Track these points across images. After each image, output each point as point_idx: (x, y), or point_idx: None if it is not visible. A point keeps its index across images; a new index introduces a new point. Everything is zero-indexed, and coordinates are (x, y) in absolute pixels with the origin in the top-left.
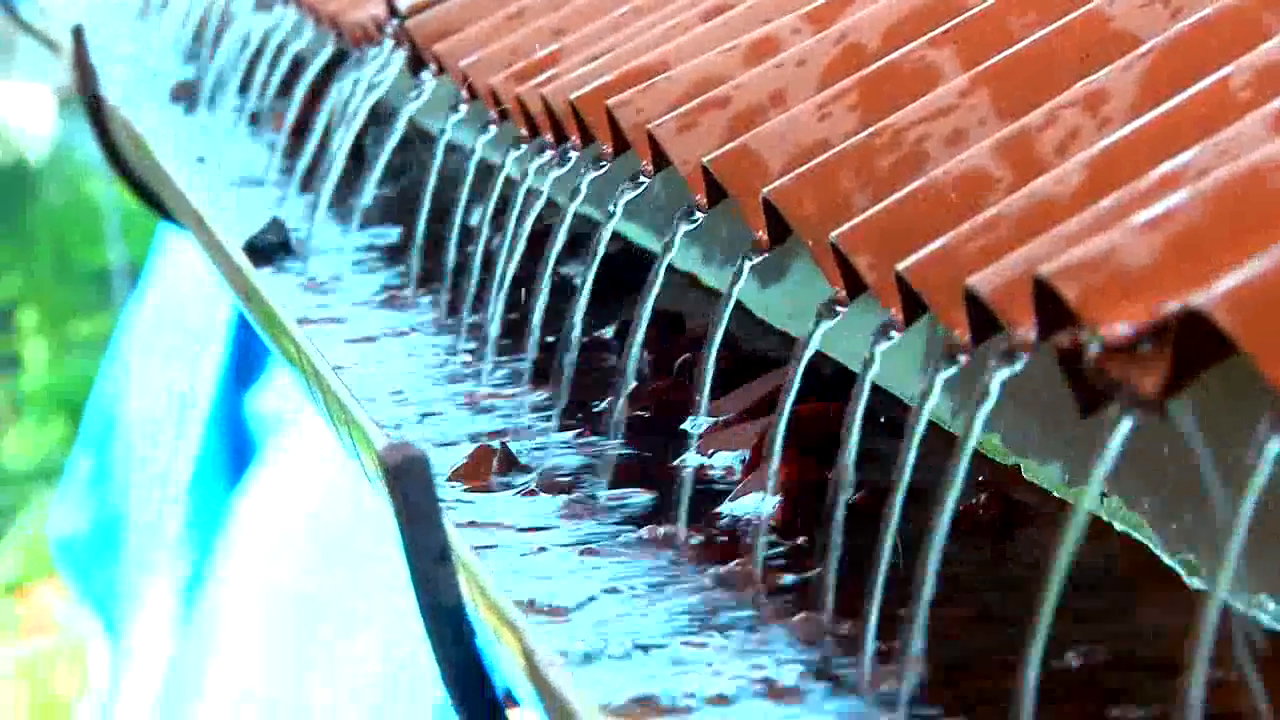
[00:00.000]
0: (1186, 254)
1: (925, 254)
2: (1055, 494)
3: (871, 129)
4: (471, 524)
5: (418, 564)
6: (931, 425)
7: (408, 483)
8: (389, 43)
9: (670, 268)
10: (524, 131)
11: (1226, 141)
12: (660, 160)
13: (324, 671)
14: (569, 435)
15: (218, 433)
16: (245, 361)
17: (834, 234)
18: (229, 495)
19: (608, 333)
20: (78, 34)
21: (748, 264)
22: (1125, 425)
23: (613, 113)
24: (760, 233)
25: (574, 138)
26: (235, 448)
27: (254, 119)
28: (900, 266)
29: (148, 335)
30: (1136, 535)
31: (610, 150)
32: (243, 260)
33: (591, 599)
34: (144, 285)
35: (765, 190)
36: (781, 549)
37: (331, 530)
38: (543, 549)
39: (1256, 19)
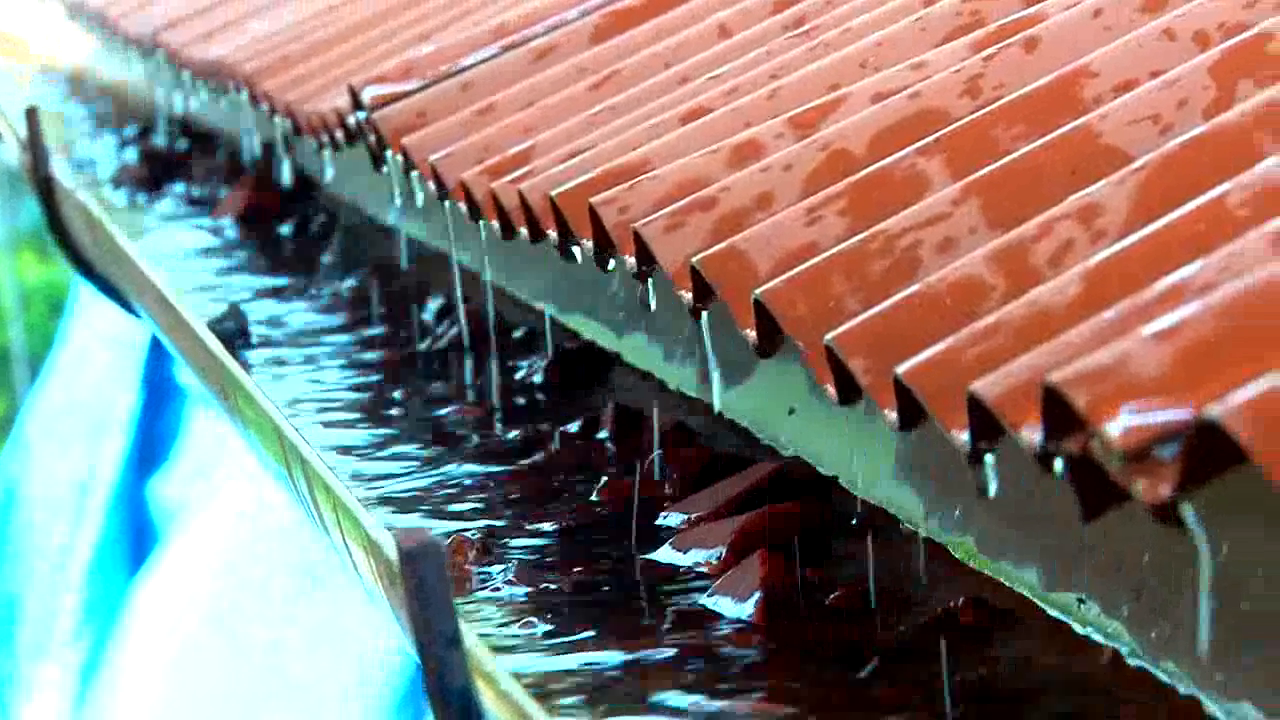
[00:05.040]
0: (1196, 365)
1: (924, 358)
2: (1033, 599)
3: (863, 234)
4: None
5: (429, 648)
6: (906, 528)
7: (424, 567)
8: None
9: (629, 366)
10: (497, 226)
11: (1228, 258)
12: (645, 259)
13: None
14: (545, 526)
15: (118, 519)
16: (148, 448)
17: (829, 336)
18: (128, 582)
19: (572, 427)
20: (31, 115)
21: None
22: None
23: (596, 210)
24: (750, 332)
25: (551, 233)
26: (136, 534)
27: (199, 204)
28: (900, 370)
29: (50, 419)
30: (1112, 644)
31: (591, 247)
32: (218, 347)
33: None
34: (48, 369)
35: (757, 291)
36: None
37: (236, 620)
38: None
39: (1247, 138)
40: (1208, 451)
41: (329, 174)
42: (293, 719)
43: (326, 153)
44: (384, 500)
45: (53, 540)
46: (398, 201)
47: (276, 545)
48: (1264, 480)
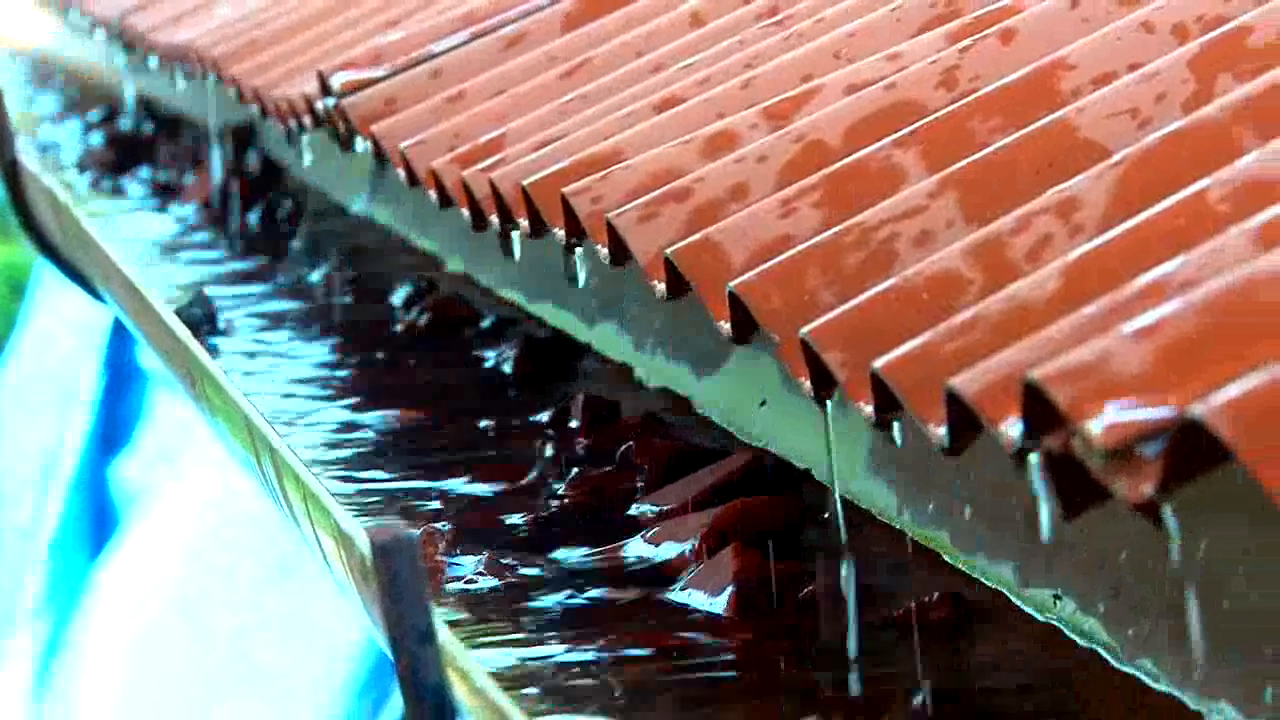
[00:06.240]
0: (1179, 363)
1: (901, 353)
2: (1008, 594)
3: (839, 227)
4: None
5: (402, 643)
6: (880, 523)
7: (397, 561)
8: None
9: (602, 357)
10: (468, 214)
11: (1209, 254)
12: (618, 249)
13: None
14: (516, 518)
15: (81, 498)
16: (111, 428)
17: (805, 330)
18: (91, 561)
19: (542, 418)
20: None
21: None
22: None
23: (569, 200)
24: (724, 324)
25: (523, 223)
26: (98, 514)
27: (165, 189)
28: (877, 364)
29: (15, 397)
30: (1088, 641)
31: (564, 236)
32: (185, 333)
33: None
34: (12, 347)
35: (731, 284)
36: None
37: (199, 602)
38: None
39: (1226, 133)
40: (1191, 450)
41: (296, 159)
42: (256, 704)
43: (303, 137)
44: (352, 490)
45: (16, 516)
46: (365, 187)
47: (243, 532)
48: (1245, 478)
